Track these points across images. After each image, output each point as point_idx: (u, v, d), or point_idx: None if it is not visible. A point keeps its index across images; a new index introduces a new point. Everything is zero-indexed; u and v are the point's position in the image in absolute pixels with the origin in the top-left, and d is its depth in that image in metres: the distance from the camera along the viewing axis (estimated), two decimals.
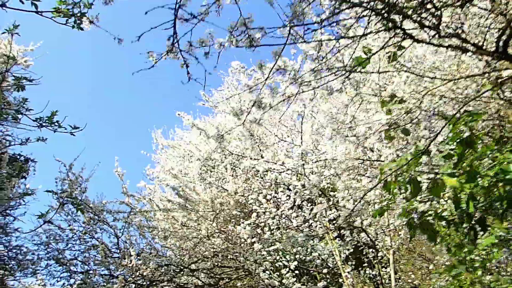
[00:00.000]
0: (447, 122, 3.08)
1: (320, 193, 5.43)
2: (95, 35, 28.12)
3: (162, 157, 8.42)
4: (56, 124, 4.72)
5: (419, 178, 3.26)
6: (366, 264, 7.06)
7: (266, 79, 2.64)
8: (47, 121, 4.63)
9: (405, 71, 3.01)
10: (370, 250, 6.82)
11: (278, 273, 6.87)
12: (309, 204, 7.31)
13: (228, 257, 6.98)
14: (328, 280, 6.45)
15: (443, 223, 3.97)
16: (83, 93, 27.72)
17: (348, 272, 6.02)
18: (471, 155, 3.14)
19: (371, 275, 6.58)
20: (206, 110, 17.23)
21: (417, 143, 3.15)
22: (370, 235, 6.11)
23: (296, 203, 6.66)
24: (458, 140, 3.00)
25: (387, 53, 2.95)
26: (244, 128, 2.86)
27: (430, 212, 3.37)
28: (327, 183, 5.85)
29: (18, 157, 9.11)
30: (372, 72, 3.01)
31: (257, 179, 6.32)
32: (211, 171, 7.22)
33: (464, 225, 3.24)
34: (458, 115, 3.00)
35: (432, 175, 3.18)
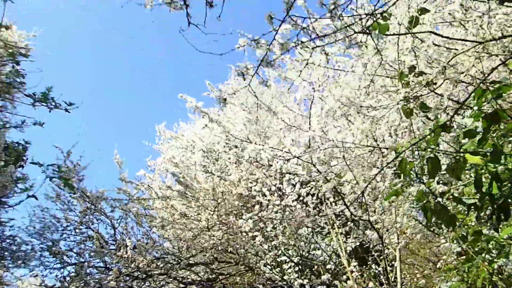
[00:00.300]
0: (471, 93, 2.83)
1: (326, 182, 5.16)
2: (96, 35, 28.01)
3: (164, 147, 8.18)
4: (51, 101, 4.50)
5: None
6: (370, 262, 6.79)
7: (276, 32, 2.40)
8: (41, 97, 4.42)
9: (430, 32, 2.76)
10: (377, 245, 6.55)
11: (279, 268, 6.61)
12: (313, 198, 7.06)
13: (228, 251, 6.72)
14: (332, 275, 6.19)
15: (461, 208, 3.73)
16: (83, 93, 27.58)
17: (354, 266, 5.76)
18: (496, 132, 2.90)
19: (377, 271, 6.30)
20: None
21: (438, 115, 2.90)
22: (377, 230, 5.84)
23: (300, 196, 6.41)
24: (483, 115, 2.76)
25: (408, 18, 2.72)
26: (250, 91, 2.63)
27: (447, 196, 3.14)
28: (334, 175, 5.59)
29: (17, 145, 8.90)
30: (393, 34, 2.77)
31: (261, 169, 6.07)
32: (213, 163, 6.98)
33: (486, 210, 3.00)
34: (484, 85, 2.75)
35: (451, 155, 2.94)
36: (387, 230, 6.60)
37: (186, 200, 5.66)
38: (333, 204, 7.04)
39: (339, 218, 7.39)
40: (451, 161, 2.94)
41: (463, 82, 2.91)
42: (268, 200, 6.59)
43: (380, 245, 6.88)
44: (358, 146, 4.59)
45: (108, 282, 6.08)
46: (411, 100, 3.11)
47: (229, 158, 6.91)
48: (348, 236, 7.44)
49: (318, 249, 8.04)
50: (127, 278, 6.61)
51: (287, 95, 7.15)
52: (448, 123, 2.85)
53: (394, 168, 4.75)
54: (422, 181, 3.21)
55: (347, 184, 5.60)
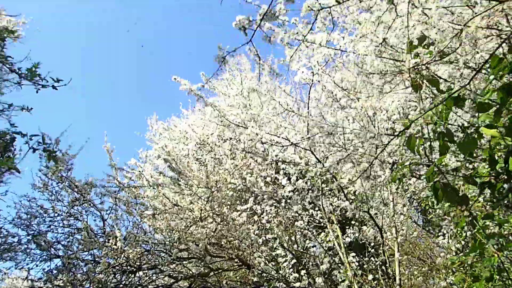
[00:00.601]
0: (486, 60, 2.65)
1: (325, 172, 4.96)
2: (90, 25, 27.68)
3: (155, 138, 7.93)
4: (38, 79, 4.26)
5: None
6: (368, 255, 6.59)
7: None
8: (27, 73, 4.17)
9: None
10: (372, 242, 6.37)
11: (274, 263, 6.40)
12: (310, 191, 6.86)
13: (221, 244, 6.50)
14: (330, 267, 5.99)
15: (472, 189, 3.54)
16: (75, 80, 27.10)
17: (353, 257, 5.57)
18: None
19: (375, 265, 6.11)
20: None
21: (451, 85, 2.72)
22: (375, 221, 5.65)
23: (296, 188, 6.21)
24: (500, 86, 2.58)
25: None
26: (252, 49, 2.43)
27: (459, 175, 2.94)
28: (333, 168, 5.39)
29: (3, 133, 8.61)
30: None
31: (256, 159, 5.86)
32: (207, 154, 6.74)
33: (500, 189, 2.81)
34: (501, 51, 2.57)
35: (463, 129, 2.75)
36: (385, 224, 6.43)
37: (179, 188, 5.44)
38: (330, 197, 6.86)
39: (336, 212, 7.20)
40: (463, 136, 2.76)
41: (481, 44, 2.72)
42: (263, 192, 6.39)
43: (376, 242, 6.71)
44: (358, 131, 4.41)
45: (96, 274, 5.83)
46: (421, 72, 2.93)
47: (224, 150, 6.70)
48: (343, 233, 7.25)
49: (313, 246, 7.85)
50: (116, 271, 6.36)
51: (284, 84, 6.95)
52: (461, 94, 2.67)
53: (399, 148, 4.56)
54: (430, 159, 3.03)
55: (346, 175, 5.42)
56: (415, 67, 2.97)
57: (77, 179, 6.96)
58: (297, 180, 6.27)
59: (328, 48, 4.34)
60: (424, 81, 2.94)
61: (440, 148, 2.81)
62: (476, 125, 2.70)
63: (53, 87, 4.08)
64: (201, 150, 7.33)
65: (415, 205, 9.66)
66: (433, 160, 3.03)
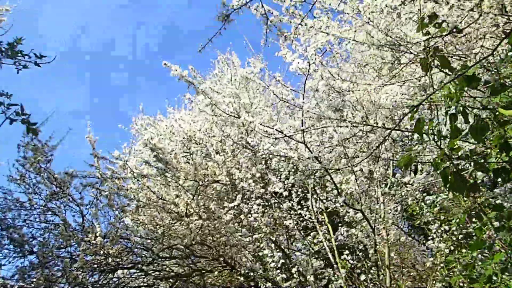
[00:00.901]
0: (503, 38, 2.51)
1: (318, 164, 4.76)
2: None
3: (141, 130, 7.60)
4: (20, 54, 3.97)
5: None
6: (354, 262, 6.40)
7: None
8: (8, 49, 3.89)
9: None
10: (366, 239, 6.18)
11: (260, 262, 6.16)
12: (299, 190, 6.67)
13: (206, 243, 6.24)
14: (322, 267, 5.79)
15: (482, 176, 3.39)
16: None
17: (346, 254, 5.37)
18: None
19: (364, 268, 5.91)
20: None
21: (466, 62, 2.57)
22: (368, 220, 5.47)
23: (286, 185, 6.01)
24: None
25: None
26: (259, 8, 2.23)
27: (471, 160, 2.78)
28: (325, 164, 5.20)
29: None
30: None
31: (246, 154, 5.65)
32: (195, 149, 6.49)
33: None
34: None
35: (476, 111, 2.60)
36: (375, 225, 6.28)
37: (165, 180, 5.17)
38: (320, 198, 6.68)
39: (325, 212, 7.01)
40: (475, 119, 2.60)
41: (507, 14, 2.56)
42: (252, 189, 6.17)
43: (362, 246, 6.53)
44: (355, 124, 4.23)
45: (73, 270, 5.51)
46: (432, 52, 2.77)
47: (212, 145, 6.47)
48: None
49: (298, 250, 7.64)
50: (94, 268, 6.03)
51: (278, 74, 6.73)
52: (476, 73, 2.52)
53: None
54: (439, 145, 2.86)
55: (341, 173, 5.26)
56: (426, 47, 2.82)
57: (57, 172, 6.64)
58: (286, 178, 6.09)
59: (328, 34, 4.19)
60: (434, 62, 2.79)
61: (451, 132, 2.65)
62: (490, 107, 2.55)
63: (36, 63, 3.80)
64: (187, 147, 7.09)
65: (400, 212, 9.56)
66: (441, 146, 2.87)
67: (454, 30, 2.66)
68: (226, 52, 8.59)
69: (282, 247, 6.30)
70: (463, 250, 5.99)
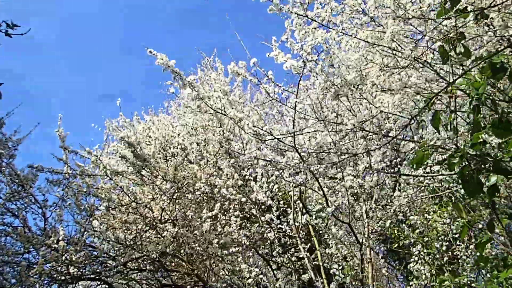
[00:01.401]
0: None
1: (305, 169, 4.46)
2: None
3: (115, 133, 7.13)
4: None
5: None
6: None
7: None
8: None
9: None
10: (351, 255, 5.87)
11: (236, 278, 5.74)
12: (282, 202, 6.33)
13: (178, 255, 5.78)
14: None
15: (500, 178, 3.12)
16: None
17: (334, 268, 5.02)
18: None
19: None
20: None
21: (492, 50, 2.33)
22: (356, 235, 5.17)
23: (268, 194, 5.66)
24: None
25: None
26: None
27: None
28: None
29: None
30: None
31: (228, 160, 5.30)
32: (174, 149, 6.08)
33: None
34: None
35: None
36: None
37: (141, 179, 4.75)
38: (300, 212, 6.36)
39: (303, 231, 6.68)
40: (498, 115, 2.36)
41: None
42: (231, 199, 5.79)
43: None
44: (356, 128, 3.96)
45: (29, 276, 4.96)
46: (452, 39, 2.54)
47: (193, 152, 6.09)
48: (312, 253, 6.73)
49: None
50: (53, 277, 5.47)
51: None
52: (504, 61, 2.29)
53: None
54: (455, 141, 2.60)
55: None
56: (445, 34, 2.59)
57: (20, 166, 6.09)
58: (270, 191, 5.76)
59: (329, 28, 3.96)
60: (456, 50, 2.56)
61: (474, 125, 2.40)
62: None
63: (7, 33, 3.39)
64: (165, 150, 6.68)
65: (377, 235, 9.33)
66: (457, 144, 2.62)
67: (479, 16, 2.45)
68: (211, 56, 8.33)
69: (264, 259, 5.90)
70: (446, 274, 5.76)
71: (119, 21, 27.37)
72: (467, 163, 2.46)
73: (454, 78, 2.44)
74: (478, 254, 3.61)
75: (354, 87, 4.14)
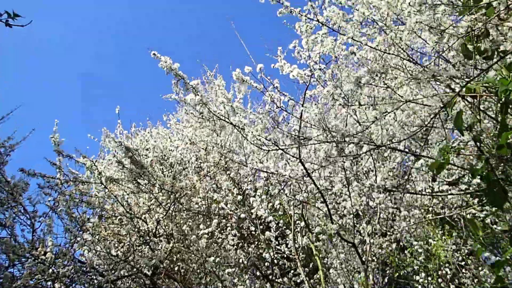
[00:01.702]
0: None
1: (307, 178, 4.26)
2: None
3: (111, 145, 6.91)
4: None
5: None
6: None
7: None
8: None
9: None
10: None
11: None
12: (281, 222, 6.08)
13: (171, 273, 5.49)
14: None
15: None
16: None
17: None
18: None
19: None
20: None
21: None
22: (360, 254, 4.92)
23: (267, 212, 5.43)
24: None
25: None
26: None
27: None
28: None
29: None
30: None
31: (229, 172, 5.10)
32: (170, 166, 5.88)
33: None
34: None
35: None
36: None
37: (137, 187, 4.52)
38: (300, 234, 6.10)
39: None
40: None
41: None
42: (228, 217, 5.56)
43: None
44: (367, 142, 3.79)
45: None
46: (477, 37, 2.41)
47: (191, 163, 5.89)
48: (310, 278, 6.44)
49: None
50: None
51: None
52: None
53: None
54: (479, 145, 2.43)
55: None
56: (468, 30, 2.46)
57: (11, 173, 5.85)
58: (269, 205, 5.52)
59: (339, 33, 3.85)
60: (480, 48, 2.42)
61: (500, 126, 2.24)
62: None
63: (7, 23, 3.26)
64: (164, 160, 6.47)
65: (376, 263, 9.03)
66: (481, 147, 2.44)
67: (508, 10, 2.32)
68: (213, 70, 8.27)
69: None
70: None
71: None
72: (491, 168, 2.29)
73: (477, 74, 2.29)
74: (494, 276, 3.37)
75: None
